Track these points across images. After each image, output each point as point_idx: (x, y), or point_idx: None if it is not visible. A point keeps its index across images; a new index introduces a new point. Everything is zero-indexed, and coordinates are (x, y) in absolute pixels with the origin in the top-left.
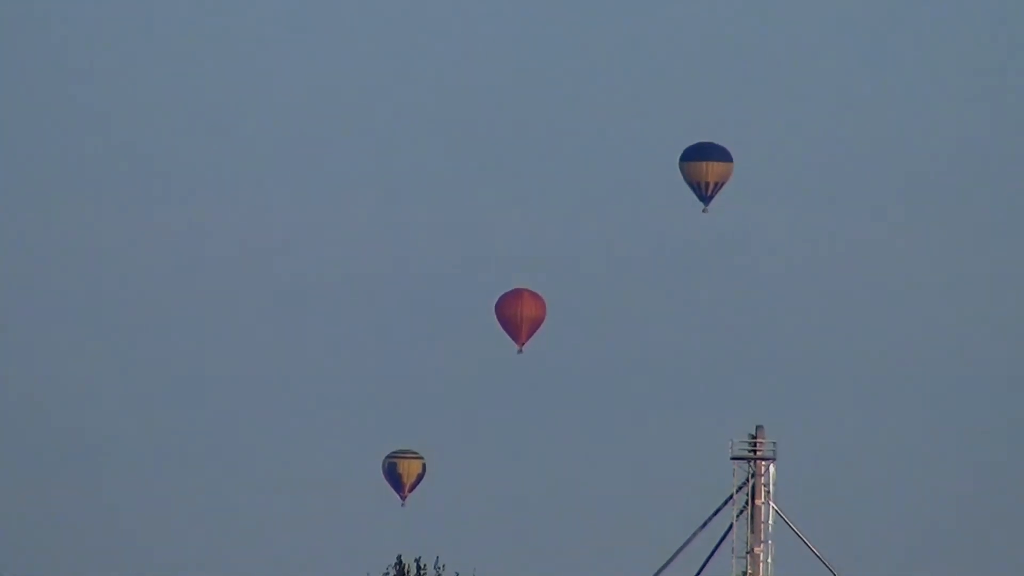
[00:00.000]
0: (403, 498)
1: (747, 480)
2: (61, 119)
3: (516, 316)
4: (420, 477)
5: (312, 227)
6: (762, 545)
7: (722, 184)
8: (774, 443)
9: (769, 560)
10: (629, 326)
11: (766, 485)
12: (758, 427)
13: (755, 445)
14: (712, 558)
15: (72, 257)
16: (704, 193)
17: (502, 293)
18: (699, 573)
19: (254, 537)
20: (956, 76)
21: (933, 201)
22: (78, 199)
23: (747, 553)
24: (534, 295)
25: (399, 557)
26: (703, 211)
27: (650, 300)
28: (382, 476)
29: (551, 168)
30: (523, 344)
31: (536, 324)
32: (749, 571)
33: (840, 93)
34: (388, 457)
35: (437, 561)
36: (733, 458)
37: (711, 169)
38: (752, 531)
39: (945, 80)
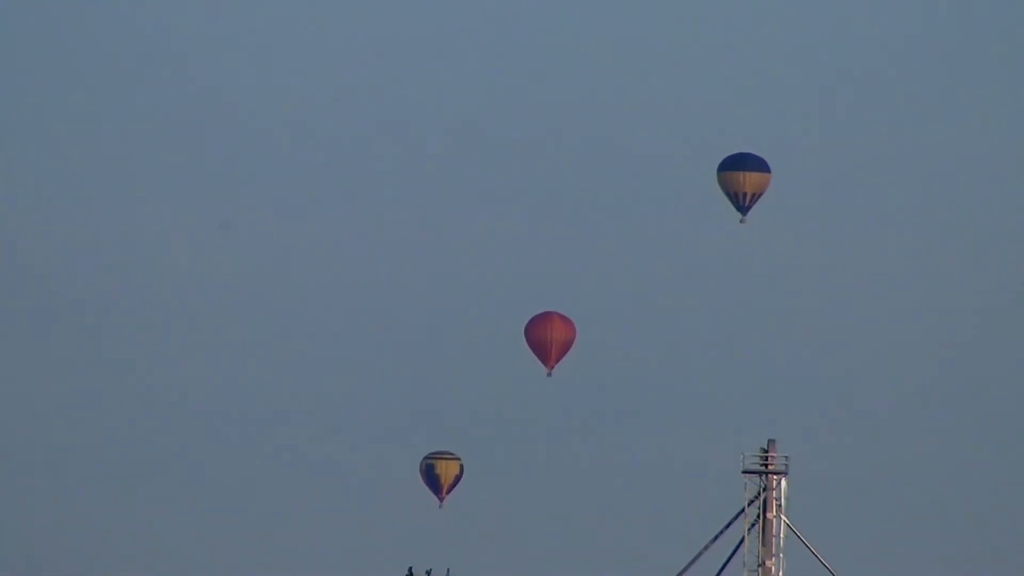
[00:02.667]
0: (441, 499)
1: (759, 494)
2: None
3: (546, 340)
4: (458, 478)
5: (339, 246)
6: (773, 559)
7: (759, 195)
8: (786, 457)
9: (780, 574)
10: (646, 340)
11: (777, 499)
12: (770, 441)
13: (767, 459)
14: (724, 571)
15: (72, 258)
16: (741, 204)
17: (532, 316)
18: None
19: (287, 537)
20: (999, 82)
21: (955, 219)
22: (70, 200)
23: (758, 566)
24: (564, 319)
25: (410, 569)
26: (741, 222)
27: (667, 313)
28: (419, 477)
29: (583, 184)
30: (552, 367)
31: (566, 348)
32: None
33: (880, 103)
34: (426, 458)
35: (448, 573)
36: (745, 472)
37: (748, 180)
38: (763, 544)
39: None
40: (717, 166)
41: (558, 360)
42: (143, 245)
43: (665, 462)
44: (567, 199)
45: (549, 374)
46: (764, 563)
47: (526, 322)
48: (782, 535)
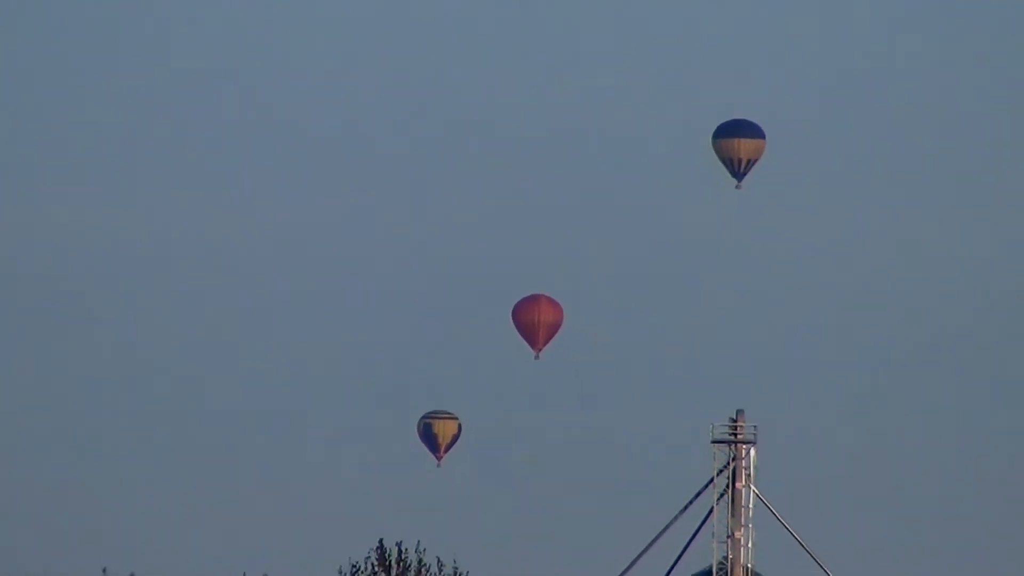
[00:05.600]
0: (439, 459)
1: (728, 464)
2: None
3: (533, 322)
4: (456, 437)
5: (325, 228)
6: (743, 529)
7: (755, 161)
8: (755, 427)
9: (750, 544)
10: (620, 312)
11: (747, 469)
12: (739, 411)
13: (736, 429)
14: (693, 542)
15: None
16: (737, 170)
17: (520, 298)
18: (680, 557)
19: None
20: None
21: (936, 193)
22: (64, 187)
23: (728, 537)
24: (551, 301)
25: (380, 541)
26: (736, 187)
27: (644, 285)
28: (417, 437)
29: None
30: (540, 350)
31: (554, 330)
32: (730, 555)
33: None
34: (424, 418)
35: (419, 545)
36: (714, 441)
37: (743, 146)
38: (733, 515)
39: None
40: (713, 132)
41: (546, 343)
42: (134, 229)
43: (632, 431)
44: (560, 170)
45: (537, 356)
46: (733, 533)
47: (513, 304)
48: (751, 505)
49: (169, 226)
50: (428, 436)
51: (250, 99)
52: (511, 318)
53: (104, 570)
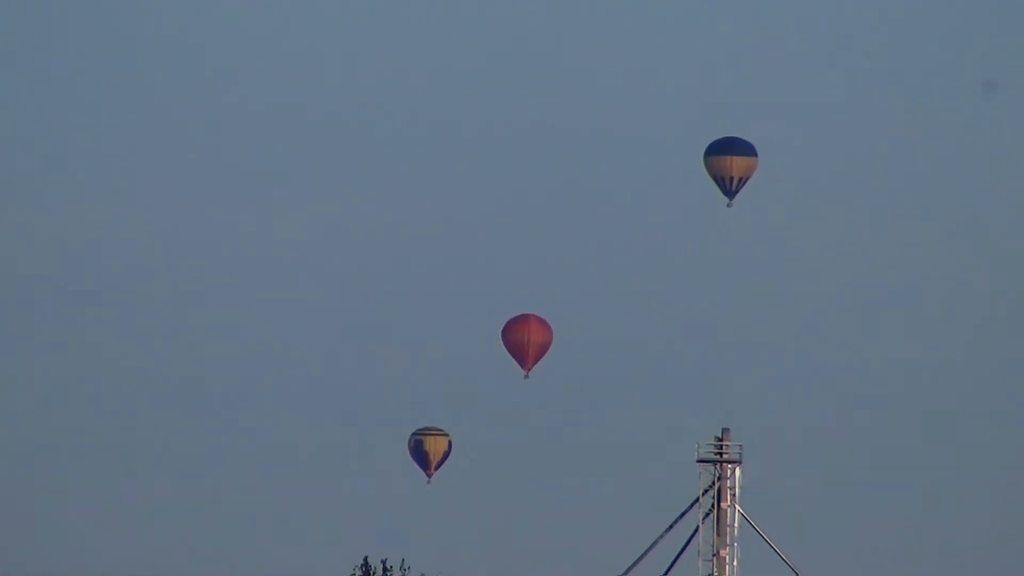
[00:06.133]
0: (429, 476)
1: (713, 483)
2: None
3: (523, 342)
4: (446, 455)
5: (318, 243)
6: (728, 548)
7: (747, 179)
8: (740, 446)
9: (735, 563)
10: (609, 330)
11: (732, 488)
12: (724, 430)
13: (721, 448)
14: (678, 560)
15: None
16: (729, 188)
17: (509, 318)
18: (666, 575)
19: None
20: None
21: (930, 212)
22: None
23: (713, 556)
24: (541, 321)
25: (365, 558)
26: (728, 205)
27: (635, 302)
28: (408, 453)
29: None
30: (529, 369)
31: (543, 350)
32: (715, 573)
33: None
34: (414, 434)
35: (403, 563)
36: (699, 461)
37: (735, 164)
38: (718, 534)
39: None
40: (704, 150)
41: (535, 362)
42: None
43: (619, 450)
44: (555, 187)
45: (526, 376)
46: (719, 552)
47: (504, 324)
48: (736, 524)
49: (153, 243)
50: (419, 453)
51: (248, 104)
52: (501, 338)
53: None
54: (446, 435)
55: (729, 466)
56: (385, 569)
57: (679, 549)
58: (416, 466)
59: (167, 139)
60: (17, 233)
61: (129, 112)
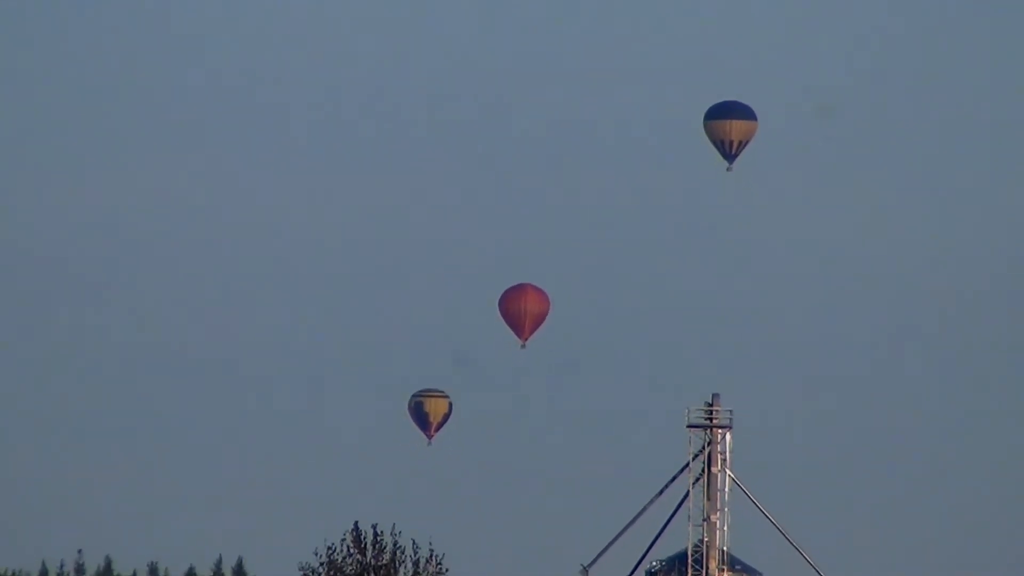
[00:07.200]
0: (430, 437)
1: (703, 448)
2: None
3: (520, 312)
4: (446, 416)
5: (317, 213)
6: (718, 513)
7: (746, 143)
8: (730, 411)
9: (725, 528)
10: (601, 297)
11: (722, 453)
12: (714, 395)
13: (711, 413)
14: (669, 525)
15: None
16: (729, 152)
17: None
18: (655, 540)
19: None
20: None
21: (925, 184)
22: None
23: (703, 520)
24: (538, 290)
25: (356, 523)
26: (728, 170)
27: (619, 273)
28: (408, 415)
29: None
30: (526, 339)
31: (540, 320)
32: (706, 538)
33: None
34: (415, 396)
35: (394, 528)
36: (689, 426)
37: (735, 127)
38: (708, 499)
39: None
40: (704, 114)
41: (532, 332)
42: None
43: (609, 416)
44: (552, 156)
45: (523, 346)
46: (709, 517)
47: (500, 294)
48: (727, 489)
49: (154, 214)
50: (419, 414)
51: (247, 96)
52: (498, 307)
53: (80, 551)
54: (446, 397)
55: (719, 431)
56: (376, 535)
57: (670, 514)
58: (416, 427)
59: (162, 119)
60: (12, 220)
61: (127, 95)
